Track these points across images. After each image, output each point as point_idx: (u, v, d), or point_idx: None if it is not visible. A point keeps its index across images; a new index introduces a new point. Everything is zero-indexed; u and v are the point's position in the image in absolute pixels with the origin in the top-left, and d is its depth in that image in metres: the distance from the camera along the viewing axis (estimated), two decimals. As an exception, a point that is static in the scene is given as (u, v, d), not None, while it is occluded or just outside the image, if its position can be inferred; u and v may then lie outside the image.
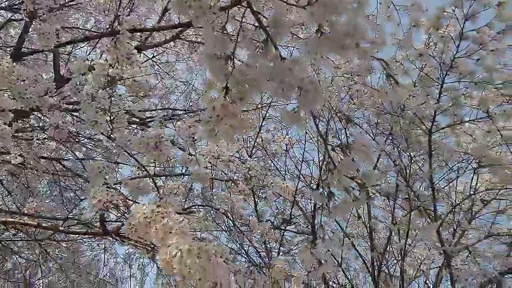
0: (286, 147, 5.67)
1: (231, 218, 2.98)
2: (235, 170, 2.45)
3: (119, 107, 1.73)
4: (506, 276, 3.61)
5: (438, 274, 4.76)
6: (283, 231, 5.72)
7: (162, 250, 1.03)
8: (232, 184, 2.44)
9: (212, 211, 2.46)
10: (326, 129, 4.02)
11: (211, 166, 2.11)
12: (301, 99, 0.86)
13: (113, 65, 1.52)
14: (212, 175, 2.19)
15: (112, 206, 1.32)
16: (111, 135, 1.84)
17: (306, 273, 6.40)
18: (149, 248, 3.24)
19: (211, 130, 0.86)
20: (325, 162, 1.00)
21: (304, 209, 5.88)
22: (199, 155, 2.23)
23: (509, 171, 2.88)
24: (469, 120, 3.23)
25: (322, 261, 1.33)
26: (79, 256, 5.32)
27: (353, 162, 0.97)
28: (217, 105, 0.84)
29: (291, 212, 4.87)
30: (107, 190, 1.32)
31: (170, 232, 1.08)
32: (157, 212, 1.10)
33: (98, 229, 2.52)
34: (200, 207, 3.27)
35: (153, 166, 2.20)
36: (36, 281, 6.22)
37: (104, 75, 1.51)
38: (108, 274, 5.67)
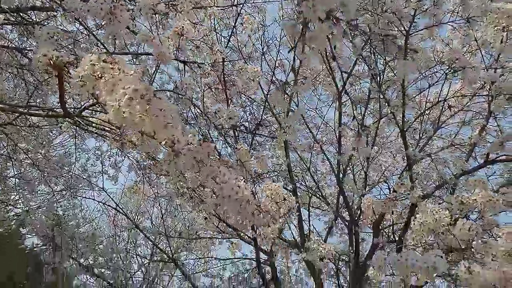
0: (263, 50, 5.52)
1: (198, 105, 2.93)
2: (203, 55, 2.34)
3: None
4: (460, 178, 3.83)
5: (400, 177, 5.03)
6: (254, 135, 5.81)
7: (110, 98, 0.98)
8: (198, 68, 2.35)
9: (180, 98, 2.40)
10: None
11: (176, 49, 2.00)
12: None
13: None
14: (176, 57, 2.09)
15: (62, 66, 1.23)
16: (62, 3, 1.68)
17: (276, 173, 6.63)
18: (117, 138, 3.22)
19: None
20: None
21: (277, 115, 5.93)
22: (164, 37, 2.10)
23: (478, 75, 2.89)
24: (448, 22, 3.14)
25: (294, 109, 1.33)
26: (50, 150, 5.30)
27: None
28: None
29: (262, 114, 4.88)
30: (56, 49, 1.22)
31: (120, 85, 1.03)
32: (106, 62, 1.03)
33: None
34: (164, 91, 3.18)
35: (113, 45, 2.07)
36: (10, 178, 6.25)
37: None
38: (80, 169, 5.73)
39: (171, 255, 6.09)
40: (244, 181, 1.20)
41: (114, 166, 5.68)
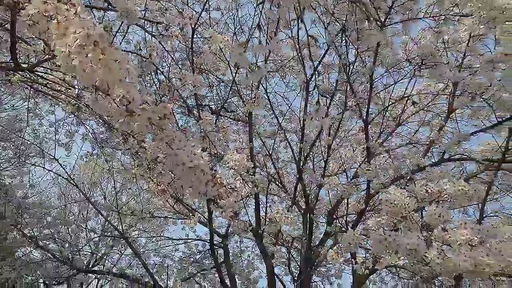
0: (235, 30, 5.37)
1: (162, 72, 2.79)
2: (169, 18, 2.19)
3: None
4: (417, 174, 3.93)
5: (356, 171, 5.13)
6: (219, 115, 5.72)
7: (61, 42, 0.87)
8: (165, 31, 2.21)
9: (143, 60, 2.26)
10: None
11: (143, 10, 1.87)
12: None
13: None
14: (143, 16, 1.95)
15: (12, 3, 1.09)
16: None
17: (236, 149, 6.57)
18: (73, 101, 3.03)
19: None
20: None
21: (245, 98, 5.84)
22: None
23: (448, 72, 2.93)
24: (423, 18, 3.17)
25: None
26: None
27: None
28: None
29: (229, 94, 4.78)
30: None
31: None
32: (60, 1, 0.91)
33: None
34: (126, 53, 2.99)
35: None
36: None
37: None
38: (31, 135, 5.39)
39: (122, 232, 5.91)
40: (202, 151, 1.12)
41: (68, 134, 5.39)
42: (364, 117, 4.18)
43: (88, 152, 5.28)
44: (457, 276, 3.66)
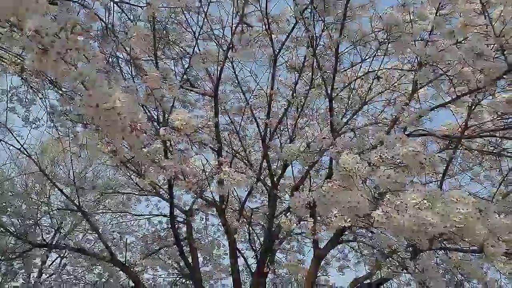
0: (201, 2, 5.14)
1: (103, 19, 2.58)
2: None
3: None
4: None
5: (321, 148, 5.11)
6: (184, 89, 5.55)
7: None
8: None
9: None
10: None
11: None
12: None
13: None
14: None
15: None
16: None
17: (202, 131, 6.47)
18: (17, 61, 2.82)
19: None
20: None
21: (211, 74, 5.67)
22: None
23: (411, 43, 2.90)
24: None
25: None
26: None
27: None
28: None
29: (189, 63, 4.60)
30: None
31: None
32: None
33: None
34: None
35: None
36: None
37: None
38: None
39: (78, 205, 5.66)
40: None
41: (24, 104, 5.08)
42: (329, 90, 4.13)
43: (37, 118, 5.00)
44: (414, 249, 3.74)
